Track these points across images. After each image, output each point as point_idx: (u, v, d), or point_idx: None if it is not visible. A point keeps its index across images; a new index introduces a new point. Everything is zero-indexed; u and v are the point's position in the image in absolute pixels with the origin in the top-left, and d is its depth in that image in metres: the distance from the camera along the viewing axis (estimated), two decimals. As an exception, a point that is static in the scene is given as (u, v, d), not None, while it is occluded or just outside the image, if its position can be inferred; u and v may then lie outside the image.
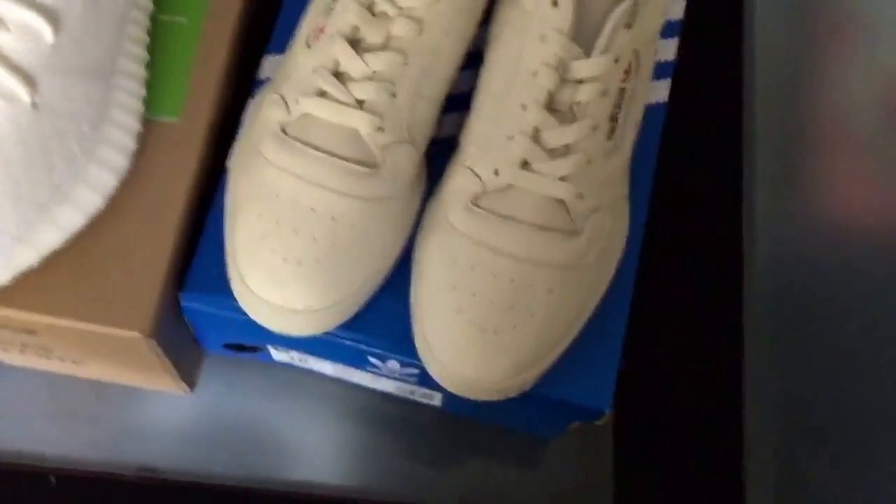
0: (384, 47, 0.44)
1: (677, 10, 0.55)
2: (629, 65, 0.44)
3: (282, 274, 0.43)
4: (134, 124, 0.46)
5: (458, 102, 0.48)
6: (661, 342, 0.61)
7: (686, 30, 0.66)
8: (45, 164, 0.42)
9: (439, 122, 0.48)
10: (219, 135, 0.49)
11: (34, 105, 0.42)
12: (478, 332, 0.43)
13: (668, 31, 0.54)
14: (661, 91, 0.53)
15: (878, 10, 0.72)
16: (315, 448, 0.60)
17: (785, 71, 0.70)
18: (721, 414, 0.61)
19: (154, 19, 0.49)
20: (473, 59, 0.48)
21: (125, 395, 0.59)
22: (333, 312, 0.45)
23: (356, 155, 0.44)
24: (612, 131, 0.45)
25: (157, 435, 0.59)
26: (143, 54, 0.48)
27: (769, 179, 0.68)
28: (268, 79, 0.50)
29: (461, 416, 0.57)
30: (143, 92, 0.47)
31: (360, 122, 0.43)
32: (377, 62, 0.43)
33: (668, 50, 0.54)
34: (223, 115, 0.50)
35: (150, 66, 0.48)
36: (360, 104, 0.44)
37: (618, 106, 0.45)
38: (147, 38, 0.48)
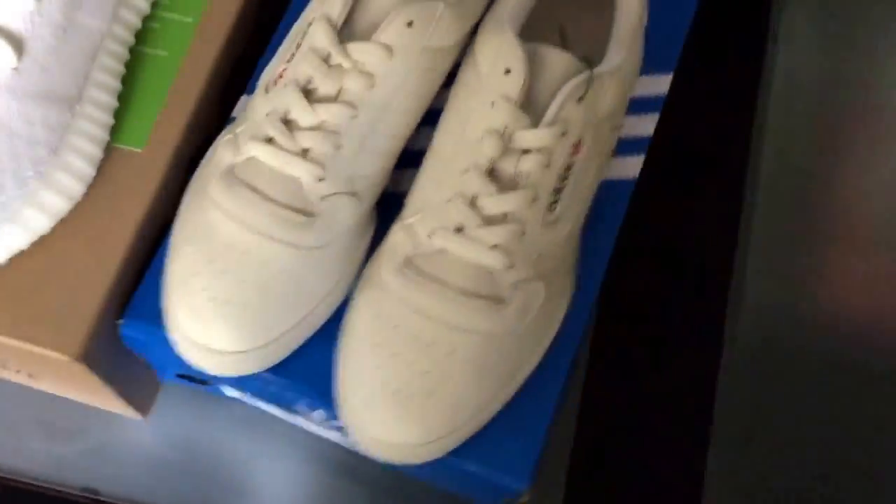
0: (334, 99, 0.44)
1: (660, 86, 0.54)
2: (579, 140, 0.44)
3: (207, 312, 0.43)
4: (95, 152, 0.48)
5: (419, 158, 0.48)
6: (634, 433, 0.60)
7: (697, 103, 0.66)
8: None
9: (399, 177, 0.48)
10: (182, 168, 0.50)
11: (-11, 126, 0.43)
12: (392, 393, 0.42)
13: (646, 106, 0.53)
14: (630, 167, 0.52)
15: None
16: (263, 485, 0.59)
17: (794, 159, 0.69)
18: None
19: (134, 51, 0.51)
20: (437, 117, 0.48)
21: (84, 412, 0.59)
22: (257, 356, 0.45)
23: (295, 203, 0.44)
24: (554, 203, 0.44)
25: (107, 457, 0.60)
26: (114, 84, 0.49)
27: (764, 267, 0.67)
28: (234, 119, 0.51)
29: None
30: (110, 121, 0.49)
31: (302, 172, 0.44)
32: (326, 113, 0.44)
33: (644, 126, 0.53)
34: (189, 149, 0.51)
35: (123, 95, 0.50)
36: (304, 153, 0.44)
37: (563, 179, 0.44)
38: (122, 70, 0.49)
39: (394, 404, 0.42)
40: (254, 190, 0.44)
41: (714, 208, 0.65)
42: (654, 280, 0.63)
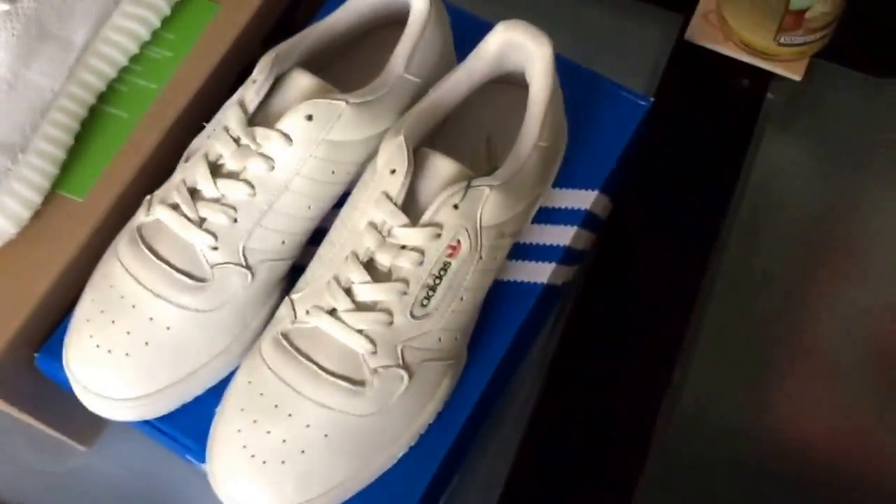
0: (236, 176, 0.47)
1: (583, 201, 0.56)
2: (456, 242, 0.46)
3: (93, 358, 0.47)
4: (33, 198, 0.52)
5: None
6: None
7: (672, 228, 0.67)
8: None
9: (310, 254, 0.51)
10: (118, 221, 0.53)
11: (-73, 164, 0.48)
12: (248, 457, 0.45)
13: (564, 218, 0.55)
14: (537, 272, 0.54)
15: (875, 248, 0.70)
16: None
17: (770, 291, 0.69)
18: None
19: (95, 108, 0.55)
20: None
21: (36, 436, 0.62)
22: (141, 405, 0.48)
23: (188, 267, 0.47)
24: (426, 299, 0.46)
25: (43, 479, 0.63)
26: (64, 138, 0.53)
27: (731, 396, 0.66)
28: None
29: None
30: (54, 171, 0.53)
31: (196, 239, 0.47)
32: (226, 188, 0.47)
33: (559, 235, 0.55)
34: (127, 204, 0.54)
35: (74, 148, 0.54)
36: (201, 222, 0.47)
37: (437, 277, 0.46)
38: (75, 126, 0.54)
39: (249, 469, 0.45)
40: (152, 250, 0.47)
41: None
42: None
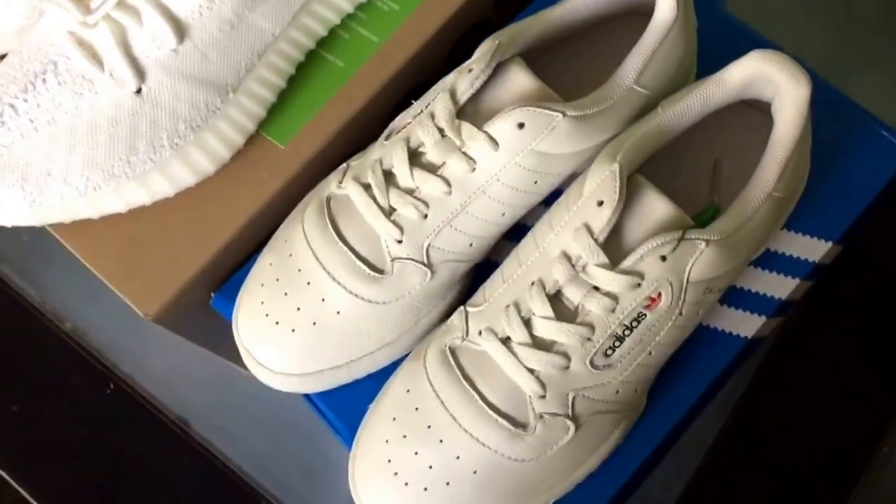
0: (435, 171, 0.44)
1: (815, 251, 0.49)
2: (658, 294, 0.41)
3: (260, 326, 0.46)
4: (237, 139, 0.50)
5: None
6: None
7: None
8: (128, 142, 0.47)
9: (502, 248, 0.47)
10: (315, 174, 0.51)
11: (138, 92, 0.47)
12: (391, 473, 0.43)
13: (789, 267, 0.49)
14: (745, 323, 0.48)
15: None
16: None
17: None
18: None
19: (313, 53, 0.53)
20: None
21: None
22: (300, 381, 0.46)
23: (368, 255, 0.45)
24: (611, 349, 0.42)
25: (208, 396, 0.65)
26: (277, 82, 0.51)
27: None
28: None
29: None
30: (261, 114, 0.51)
31: (383, 229, 0.44)
32: (422, 181, 0.44)
33: (778, 287, 0.48)
34: (328, 158, 0.52)
35: (286, 92, 0.52)
36: (390, 212, 0.44)
37: (628, 328, 0.41)
38: (290, 70, 0.51)
39: (391, 485, 0.43)
40: (336, 228, 0.45)
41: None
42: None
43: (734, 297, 0.48)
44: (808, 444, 0.58)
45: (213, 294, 0.51)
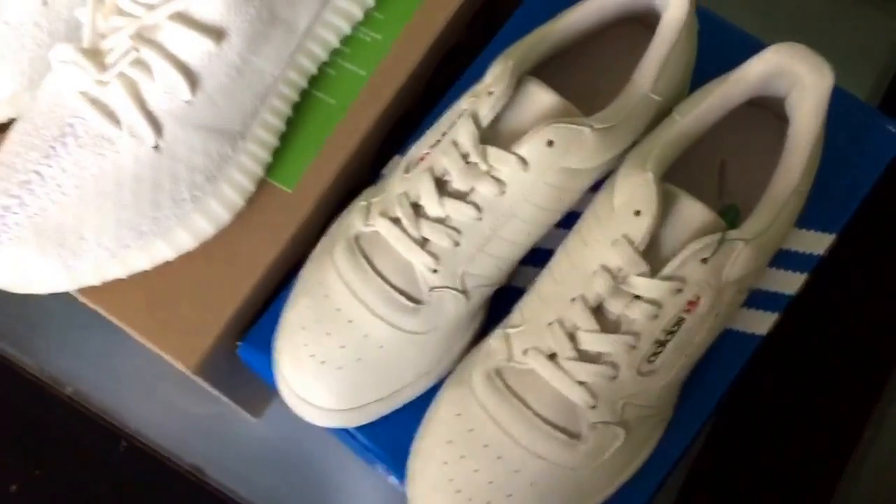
0: (464, 198, 0.45)
1: (818, 244, 0.51)
2: (697, 298, 0.43)
3: (305, 367, 0.46)
4: (248, 186, 0.50)
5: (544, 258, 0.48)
6: None
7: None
8: (153, 199, 0.47)
9: (516, 273, 0.48)
10: (324, 214, 0.52)
11: (156, 147, 0.47)
12: (455, 491, 0.43)
13: (796, 263, 0.51)
14: (758, 321, 0.50)
15: None
16: (353, 491, 0.62)
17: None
18: None
19: (305, 92, 0.53)
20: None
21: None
22: (344, 416, 0.47)
23: (405, 287, 0.45)
24: (654, 355, 0.43)
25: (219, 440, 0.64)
26: (279, 126, 0.51)
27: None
28: (382, 176, 0.52)
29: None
30: (268, 159, 0.51)
31: (417, 260, 0.45)
32: (453, 209, 0.45)
33: (787, 283, 0.50)
34: (334, 197, 0.53)
35: (285, 136, 0.52)
36: (423, 242, 0.45)
37: (670, 333, 0.43)
38: (289, 112, 0.52)
39: (453, 500, 0.43)
40: (371, 264, 0.46)
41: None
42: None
43: (748, 296, 0.50)
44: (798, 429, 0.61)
45: (238, 343, 0.51)
